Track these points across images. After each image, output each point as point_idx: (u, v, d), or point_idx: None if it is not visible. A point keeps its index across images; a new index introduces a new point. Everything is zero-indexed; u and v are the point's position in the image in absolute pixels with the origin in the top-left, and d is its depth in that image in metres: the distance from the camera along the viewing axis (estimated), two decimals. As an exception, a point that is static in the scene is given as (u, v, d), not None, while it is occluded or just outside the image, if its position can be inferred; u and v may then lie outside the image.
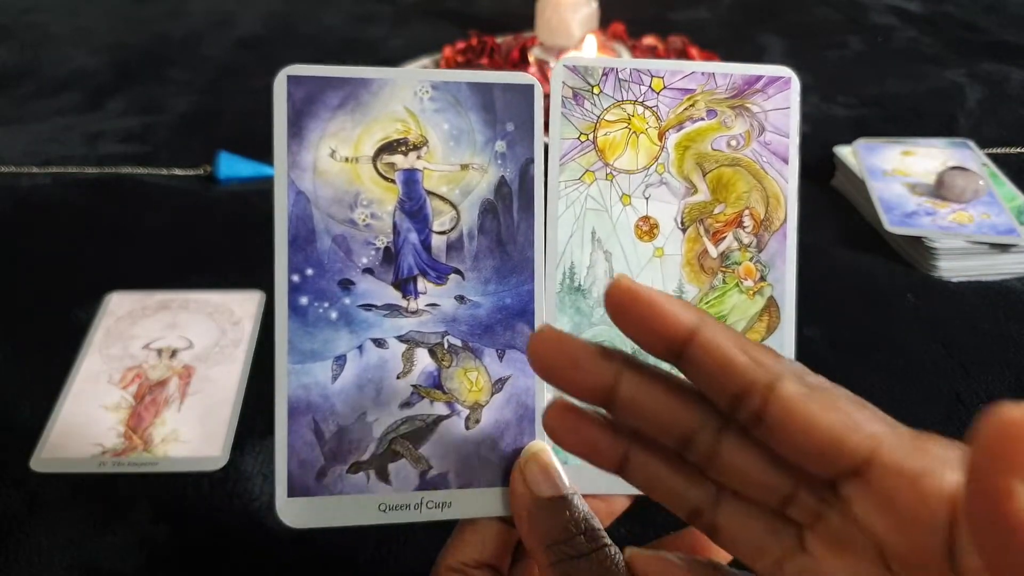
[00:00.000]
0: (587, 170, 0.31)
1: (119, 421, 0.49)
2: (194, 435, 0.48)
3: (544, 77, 0.84)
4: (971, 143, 0.73)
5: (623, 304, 0.23)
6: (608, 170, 0.31)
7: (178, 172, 0.74)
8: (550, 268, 0.30)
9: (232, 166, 0.73)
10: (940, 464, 0.21)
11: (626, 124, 0.31)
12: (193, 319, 0.56)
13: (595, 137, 0.31)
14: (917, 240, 0.62)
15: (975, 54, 1.01)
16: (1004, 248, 0.61)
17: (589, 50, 0.88)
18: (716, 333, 0.23)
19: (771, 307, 0.31)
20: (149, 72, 0.96)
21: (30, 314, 0.58)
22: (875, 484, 0.22)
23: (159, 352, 0.54)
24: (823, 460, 0.22)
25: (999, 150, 0.76)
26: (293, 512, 0.29)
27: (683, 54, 0.93)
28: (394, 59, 0.95)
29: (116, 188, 0.73)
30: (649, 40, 0.95)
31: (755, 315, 0.31)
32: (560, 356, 0.24)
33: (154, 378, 0.52)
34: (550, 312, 0.30)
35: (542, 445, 0.29)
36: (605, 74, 0.31)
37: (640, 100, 0.31)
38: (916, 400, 0.51)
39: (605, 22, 0.96)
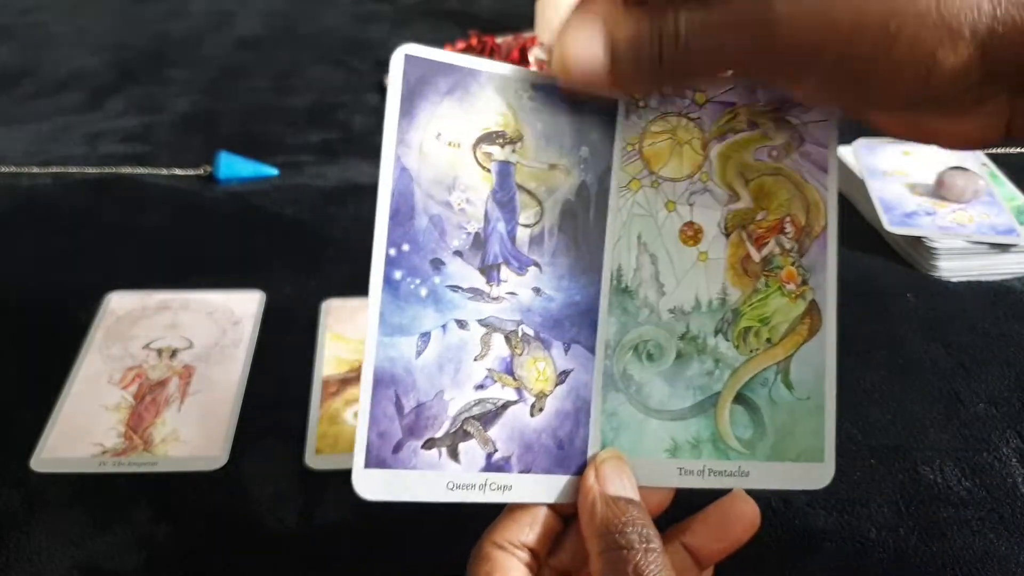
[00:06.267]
0: (633, 178, 0.32)
1: (119, 421, 0.49)
2: (194, 435, 0.48)
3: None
4: (971, 143, 0.73)
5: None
6: (654, 178, 0.32)
7: (178, 172, 0.75)
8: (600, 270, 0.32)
9: (232, 166, 0.73)
10: None
11: (671, 135, 0.32)
12: (193, 319, 0.56)
13: (641, 147, 0.32)
14: (917, 240, 0.62)
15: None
16: (1004, 248, 0.61)
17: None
18: None
19: (813, 310, 0.32)
20: (149, 72, 0.96)
21: (30, 314, 0.58)
22: None
23: (159, 352, 0.54)
24: None
25: (999, 150, 0.76)
26: (368, 484, 0.29)
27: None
28: (394, 59, 0.95)
29: (116, 188, 0.73)
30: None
31: (797, 318, 0.32)
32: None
33: (154, 378, 0.52)
34: (600, 311, 0.31)
35: (619, 452, 0.31)
36: None
37: (684, 112, 0.32)
38: (916, 400, 0.51)
39: (605, 22, 0.96)
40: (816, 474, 0.31)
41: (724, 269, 0.32)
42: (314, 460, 0.46)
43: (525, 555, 0.30)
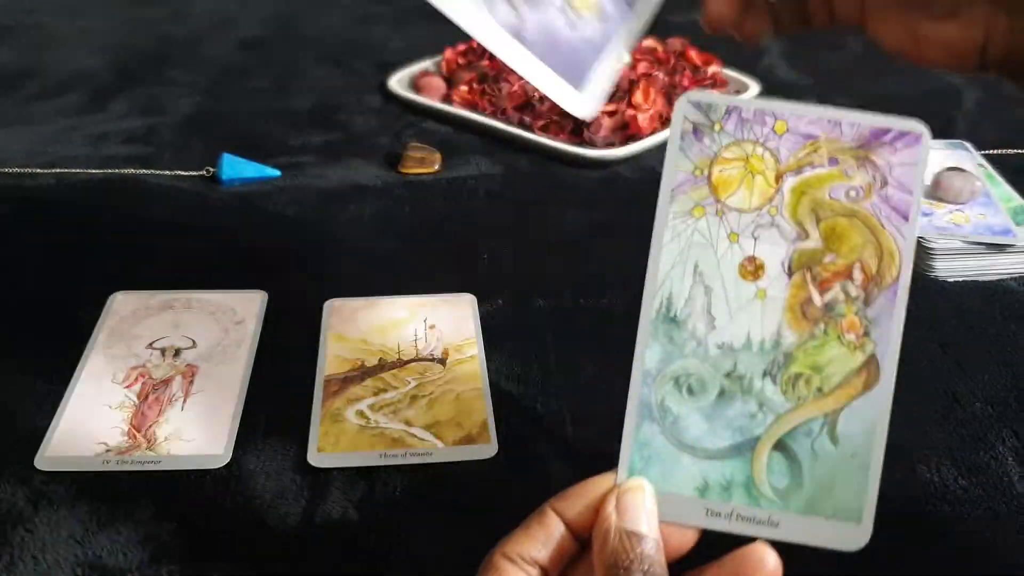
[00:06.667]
0: (697, 204, 0.31)
1: (123, 420, 0.49)
2: (197, 434, 0.48)
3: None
4: (968, 144, 0.74)
5: None
6: (719, 207, 0.31)
7: (181, 173, 0.75)
8: (649, 295, 0.30)
9: (234, 167, 0.74)
10: None
11: (743, 163, 0.31)
12: (196, 319, 0.57)
13: (710, 173, 0.31)
14: (914, 241, 0.62)
15: (973, 56, 1.01)
16: (1000, 248, 0.62)
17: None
18: None
19: (871, 364, 0.30)
20: (151, 73, 0.97)
21: (35, 314, 0.58)
22: None
23: (162, 351, 0.54)
24: None
25: (996, 151, 0.76)
26: None
27: (682, 56, 0.93)
28: (395, 61, 0.95)
29: (119, 189, 0.73)
30: (648, 42, 0.96)
31: (853, 371, 0.30)
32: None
33: (157, 377, 0.52)
34: (643, 337, 0.31)
35: (643, 483, 0.30)
36: (728, 112, 0.31)
37: (760, 141, 0.30)
38: (913, 400, 0.51)
39: (605, 24, 0.96)
40: (850, 535, 0.30)
41: (782, 310, 0.30)
42: (316, 458, 0.47)
43: (535, 572, 0.29)
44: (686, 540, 0.31)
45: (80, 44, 1.05)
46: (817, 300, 0.30)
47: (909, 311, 0.29)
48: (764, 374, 0.30)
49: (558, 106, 0.40)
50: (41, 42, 1.06)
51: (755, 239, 0.30)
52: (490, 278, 0.61)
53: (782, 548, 0.29)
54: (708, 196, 0.31)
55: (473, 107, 0.85)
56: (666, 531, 0.30)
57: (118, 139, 0.82)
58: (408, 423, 0.49)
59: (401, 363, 0.54)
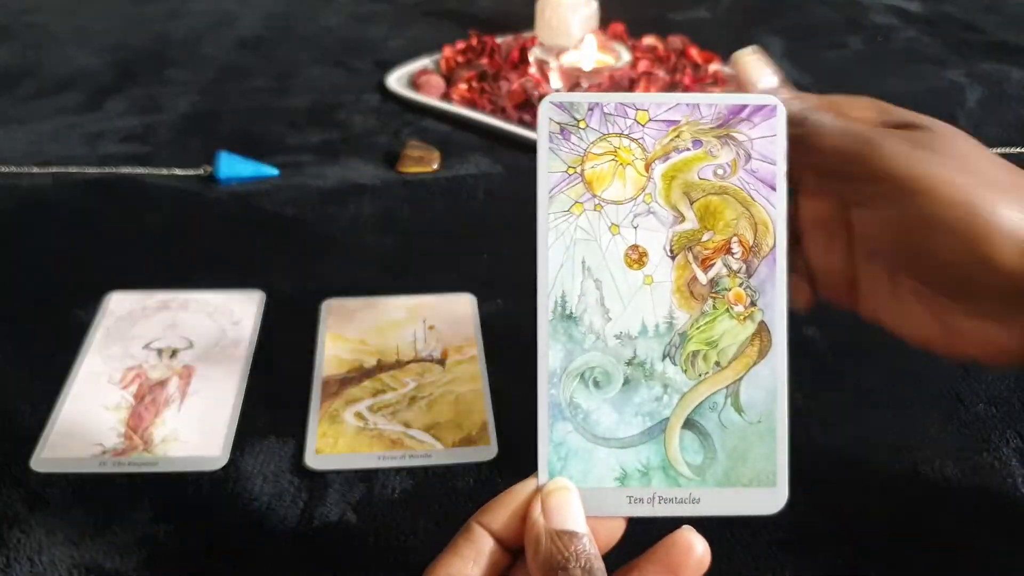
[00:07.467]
0: (576, 201, 0.32)
1: (119, 421, 0.49)
2: (194, 435, 0.48)
3: (544, 77, 0.84)
4: (971, 143, 0.73)
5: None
6: (596, 201, 0.32)
7: (178, 172, 0.75)
8: (542, 296, 0.31)
9: (232, 166, 0.73)
10: None
11: (613, 156, 0.32)
12: (193, 319, 0.57)
13: (582, 170, 0.32)
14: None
15: (975, 54, 1.01)
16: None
17: (588, 50, 0.88)
18: None
19: (762, 331, 0.31)
20: (149, 72, 0.97)
21: (30, 314, 0.58)
22: None
23: (159, 352, 0.54)
24: None
25: (999, 150, 0.76)
26: None
27: (683, 54, 0.93)
28: (395, 59, 0.95)
29: (116, 188, 0.73)
30: (649, 40, 0.95)
31: (746, 340, 0.31)
32: None
33: (154, 378, 0.52)
34: (543, 339, 0.31)
35: (565, 482, 0.31)
36: (591, 109, 0.32)
37: (626, 133, 0.32)
38: (916, 400, 0.51)
39: (605, 22, 0.96)
40: (768, 499, 0.31)
41: (670, 292, 0.31)
42: (314, 460, 0.46)
43: (499, 553, 0.30)
44: (614, 532, 0.31)
45: (78, 43, 1.04)
46: (702, 278, 0.32)
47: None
48: (664, 357, 0.31)
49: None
50: (39, 41, 1.05)
51: (635, 228, 0.32)
52: (490, 278, 0.61)
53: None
54: (584, 192, 0.32)
55: (472, 105, 0.84)
56: (593, 525, 0.30)
57: (115, 138, 0.81)
58: (407, 425, 0.49)
59: (400, 364, 0.53)
